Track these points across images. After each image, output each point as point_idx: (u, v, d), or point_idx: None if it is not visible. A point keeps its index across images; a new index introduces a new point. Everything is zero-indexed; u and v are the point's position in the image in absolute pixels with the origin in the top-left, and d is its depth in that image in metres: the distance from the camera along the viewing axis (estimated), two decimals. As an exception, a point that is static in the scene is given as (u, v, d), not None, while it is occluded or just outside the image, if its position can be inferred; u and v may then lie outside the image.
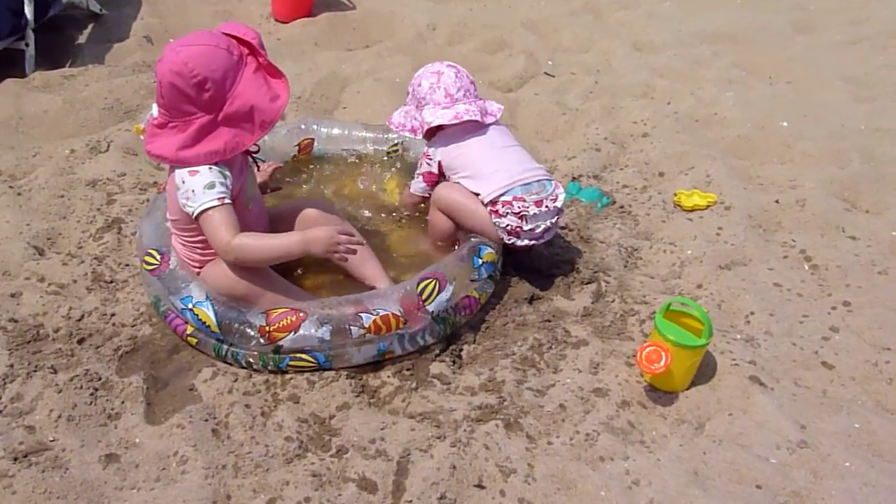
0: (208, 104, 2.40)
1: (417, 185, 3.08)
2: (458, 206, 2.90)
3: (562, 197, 2.89)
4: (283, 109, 2.46)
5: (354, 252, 2.52)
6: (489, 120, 2.95)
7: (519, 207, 2.79)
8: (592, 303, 2.95)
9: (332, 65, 4.77)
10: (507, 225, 2.82)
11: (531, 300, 2.97)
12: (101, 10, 5.15)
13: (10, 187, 3.39)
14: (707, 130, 4.30)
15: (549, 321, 2.86)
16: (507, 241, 2.88)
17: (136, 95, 4.20)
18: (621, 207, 3.57)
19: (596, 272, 3.09)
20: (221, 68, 2.37)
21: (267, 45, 4.90)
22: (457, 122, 2.89)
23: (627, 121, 4.32)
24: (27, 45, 4.38)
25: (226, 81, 2.39)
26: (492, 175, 2.85)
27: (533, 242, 2.90)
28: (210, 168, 2.44)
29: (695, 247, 3.28)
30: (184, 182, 2.44)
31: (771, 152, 4.12)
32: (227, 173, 2.48)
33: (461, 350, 2.74)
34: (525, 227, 2.82)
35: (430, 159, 2.98)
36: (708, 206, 3.57)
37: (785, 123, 4.34)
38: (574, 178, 3.73)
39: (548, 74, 4.85)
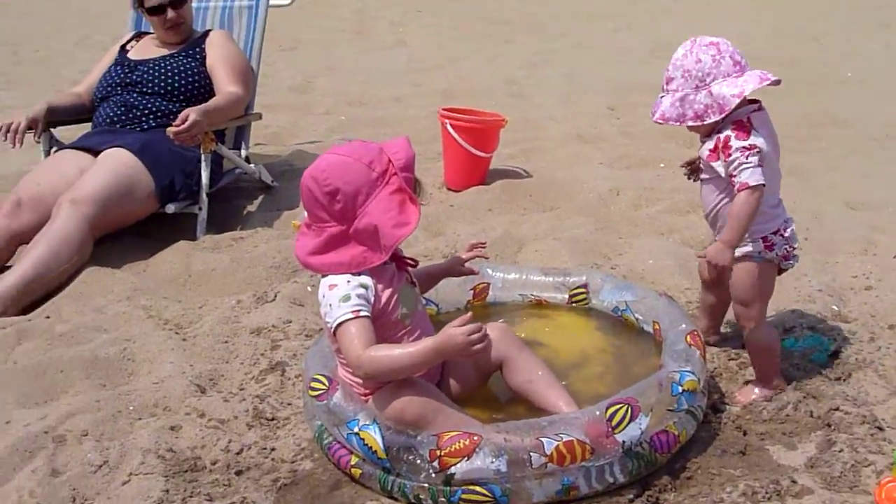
0: (340, 215, 2.63)
1: (758, 175, 2.72)
2: None
3: None
4: (406, 237, 2.60)
5: (485, 341, 2.51)
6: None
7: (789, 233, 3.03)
8: (819, 453, 2.81)
9: (506, 227, 5.01)
10: (784, 251, 3.03)
11: (744, 452, 2.86)
12: (272, 181, 5.70)
13: (176, 334, 3.70)
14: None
15: (764, 471, 2.74)
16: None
17: (305, 254, 4.53)
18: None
19: (827, 425, 2.96)
20: (355, 182, 2.60)
21: (438, 212, 5.19)
22: (766, 83, 2.73)
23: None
24: (200, 209, 4.88)
25: (358, 196, 2.60)
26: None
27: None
28: (348, 280, 2.63)
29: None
30: (324, 297, 2.65)
31: None
32: (369, 284, 2.65)
33: (658, 497, 2.65)
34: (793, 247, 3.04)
35: (755, 148, 2.72)
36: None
37: None
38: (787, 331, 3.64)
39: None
